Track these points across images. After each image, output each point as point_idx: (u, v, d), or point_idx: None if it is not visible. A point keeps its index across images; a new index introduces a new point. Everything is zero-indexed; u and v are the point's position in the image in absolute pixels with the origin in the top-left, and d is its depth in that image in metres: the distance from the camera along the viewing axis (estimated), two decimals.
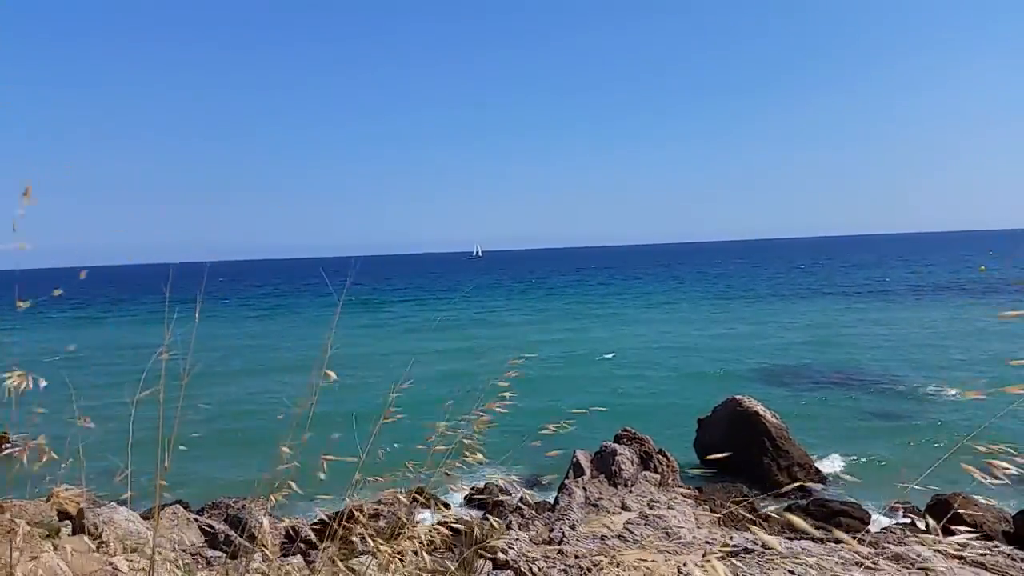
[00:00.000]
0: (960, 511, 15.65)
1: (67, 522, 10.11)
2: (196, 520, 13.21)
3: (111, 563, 6.44)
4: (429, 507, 19.14)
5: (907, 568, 8.85)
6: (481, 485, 20.03)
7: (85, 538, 8.14)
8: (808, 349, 43.38)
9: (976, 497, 16.68)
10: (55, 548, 6.80)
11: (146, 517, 12.32)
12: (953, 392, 30.28)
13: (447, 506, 19.22)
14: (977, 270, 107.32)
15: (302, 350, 47.34)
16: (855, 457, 22.49)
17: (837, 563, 9.23)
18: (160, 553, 6.78)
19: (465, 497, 19.83)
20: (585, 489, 15.95)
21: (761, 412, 21.59)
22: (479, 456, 3.52)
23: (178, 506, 14.83)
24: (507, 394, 3.80)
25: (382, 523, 14.63)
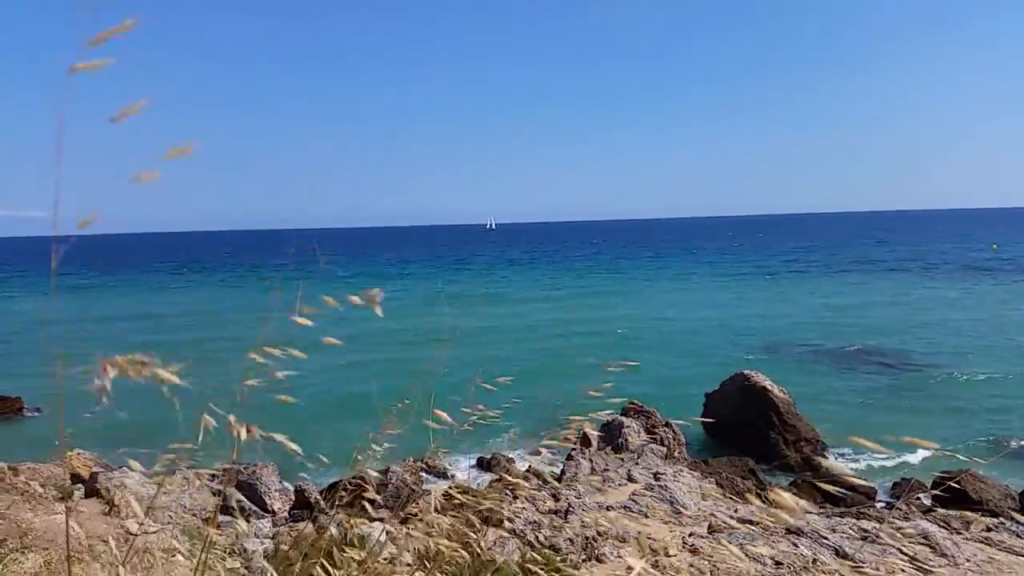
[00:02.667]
0: (967, 488, 15.68)
1: (80, 485, 10.28)
2: (207, 485, 13.39)
3: (123, 525, 6.54)
4: (436, 476, 19.33)
5: (912, 543, 8.87)
6: (488, 455, 20.21)
7: (97, 501, 8.27)
8: (820, 326, 43.15)
9: (983, 474, 16.70)
10: (68, 510, 6.91)
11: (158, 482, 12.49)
12: (967, 373, 30.07)
13: (454, 476, 19.41)
14: (990, 248, 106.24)
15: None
16: (864, 433, 22.42)
17: (843, 537, 9.27)
18: (170, 517, 6.90)
19: (472, 467, 20.01)
20: (591, 460, 16.06)
21: (769, 387, 21.61)
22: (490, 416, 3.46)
23: (189, 470, 15.02)
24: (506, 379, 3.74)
25: (391, 490, 14.80)
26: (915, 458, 20.22)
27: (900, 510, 14.58)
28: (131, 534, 6.54)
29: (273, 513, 15.76)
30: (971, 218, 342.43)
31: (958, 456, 19.69)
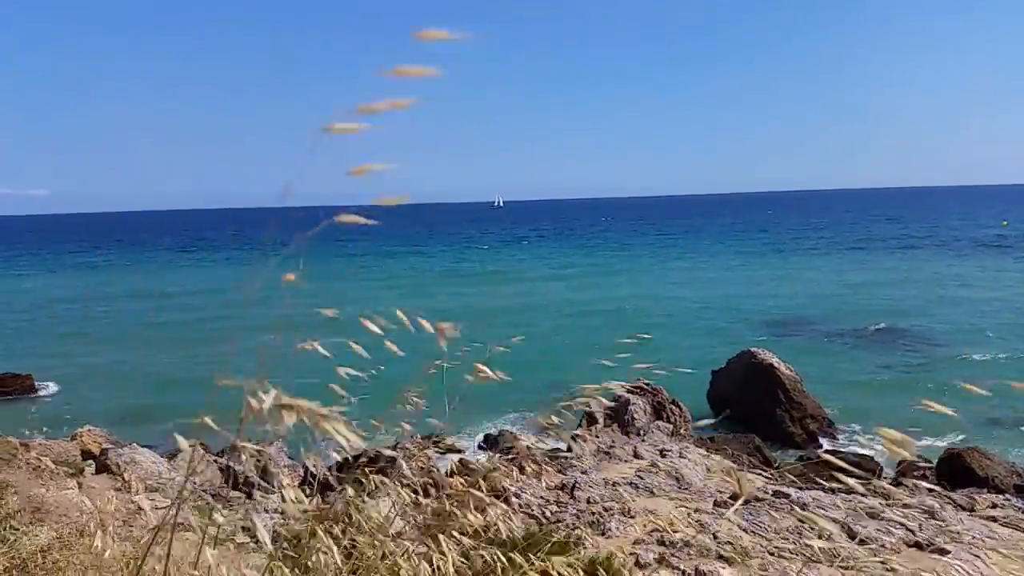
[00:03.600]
0: (972, 465, 15.69)
1: (91, 461, 10.39)
2: (215, 461, 13.51)
3: (133, 501, 6.61)
4: (444, 452, 19.46)
5: (917, 519, 8.90)
6: (495, 432, 20.29)
7: (108, 477, 8.36)
8: (831, 304, 42.81)
9: (989, 452, 16.68)
10: (80, 486, 6.99)
11: (167, 458, 12.60)
12: (979, 351, 29.80)
13: (461, 452, 19.55)
14: (999, 225, 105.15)
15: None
16: (869, 410, 22.36)
17: (848, 513, 9.31)
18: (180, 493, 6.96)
19: (479, 444, 20.11)
20: (598, 437, 16.13)
21: (776, 364, 21.57)
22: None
23: (198, 447, 15.14)
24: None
25: (399, 466, 14.93)
26: (923, 436, 20.17)
27: (906, 487, 14.62)
28: (141, 510, 6.61)
29: (281, 489, 15.90)
30: (976, 194, 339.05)
31: (965, 434, 19.66)
